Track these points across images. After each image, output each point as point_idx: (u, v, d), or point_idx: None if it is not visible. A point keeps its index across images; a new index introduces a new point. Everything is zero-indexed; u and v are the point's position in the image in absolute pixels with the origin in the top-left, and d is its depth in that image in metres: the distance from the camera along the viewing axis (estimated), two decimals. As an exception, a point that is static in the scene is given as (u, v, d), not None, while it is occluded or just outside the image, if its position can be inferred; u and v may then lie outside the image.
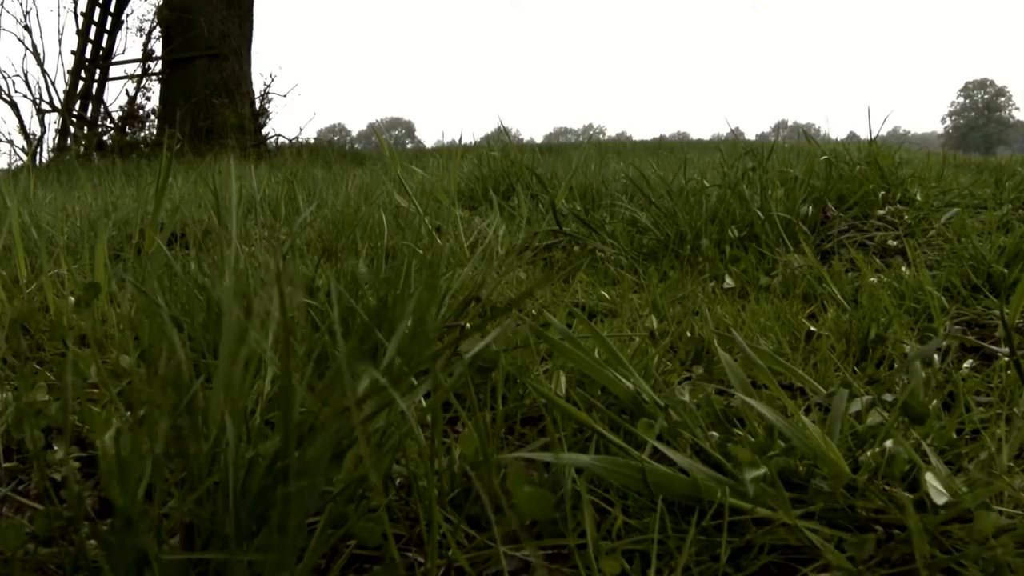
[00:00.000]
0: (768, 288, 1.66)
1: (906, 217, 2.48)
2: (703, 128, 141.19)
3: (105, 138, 11.67)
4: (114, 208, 3.07)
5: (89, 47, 11.53)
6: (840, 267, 1.75)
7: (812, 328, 1.38)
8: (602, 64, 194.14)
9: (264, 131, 12.55)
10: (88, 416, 0.99)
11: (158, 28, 11.78)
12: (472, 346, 1.02)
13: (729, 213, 2.21)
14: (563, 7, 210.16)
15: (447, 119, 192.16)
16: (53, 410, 1.08)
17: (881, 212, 2.44)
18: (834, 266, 1.74)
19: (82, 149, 10.89)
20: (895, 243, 2.13)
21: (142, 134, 11.87)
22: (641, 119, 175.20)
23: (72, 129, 11.36)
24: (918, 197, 2.77)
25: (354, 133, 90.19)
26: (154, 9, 11.88)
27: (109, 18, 11.72)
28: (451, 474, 0.88)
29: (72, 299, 1.49)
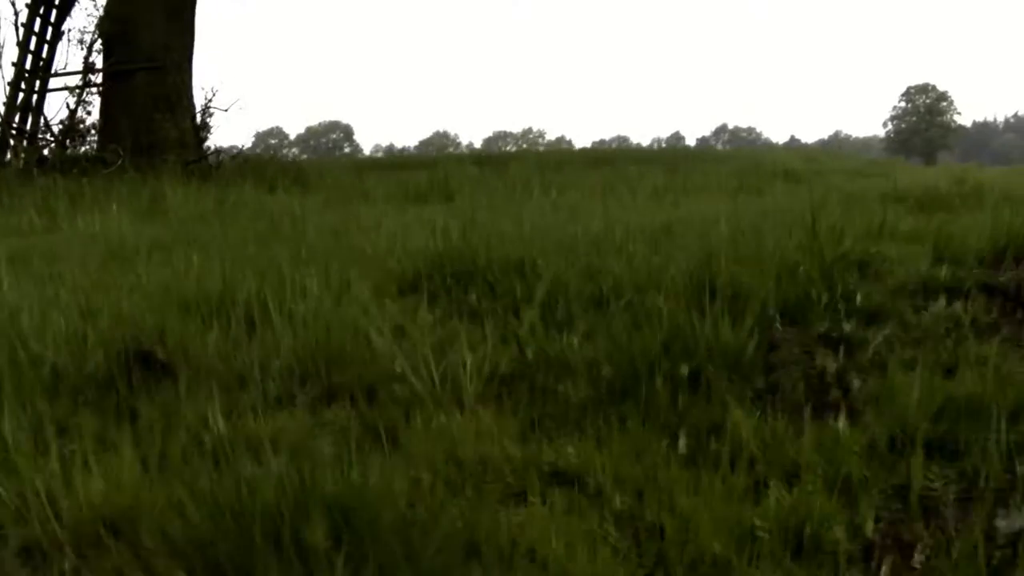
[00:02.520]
0: (717, 458, 1.80)
1: (847, 329, 2.64)
2: (643, 132, 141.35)
3: (45, 152, 11.41)
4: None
5: (29, 58, 11.25)
6: (781, 426, 1.91)
7: (756, 523, 1.54)
8: (541, 66, 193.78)
9: (205, 144, 12.38)
10: None
11: (99, 40, 11.54)
12: None
13: (681, 339, 2.36)
14: (500, 6, 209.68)
15: (386, 121, 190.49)
16: None
17: (822, 329, 2.61)
18: (777, 431, 1.89)
19: (22, 164, 10.62)
20: (832, 377, 2.28)
21: (83, 148, 11.62)
22: (580, 122, 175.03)
23: (12, 143, 11.09)
24: (858, 299, 2.90)
25: (292, 137, 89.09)
26: (95, 21, 11.64)
27: (50, 29, 11.44)
28: None
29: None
